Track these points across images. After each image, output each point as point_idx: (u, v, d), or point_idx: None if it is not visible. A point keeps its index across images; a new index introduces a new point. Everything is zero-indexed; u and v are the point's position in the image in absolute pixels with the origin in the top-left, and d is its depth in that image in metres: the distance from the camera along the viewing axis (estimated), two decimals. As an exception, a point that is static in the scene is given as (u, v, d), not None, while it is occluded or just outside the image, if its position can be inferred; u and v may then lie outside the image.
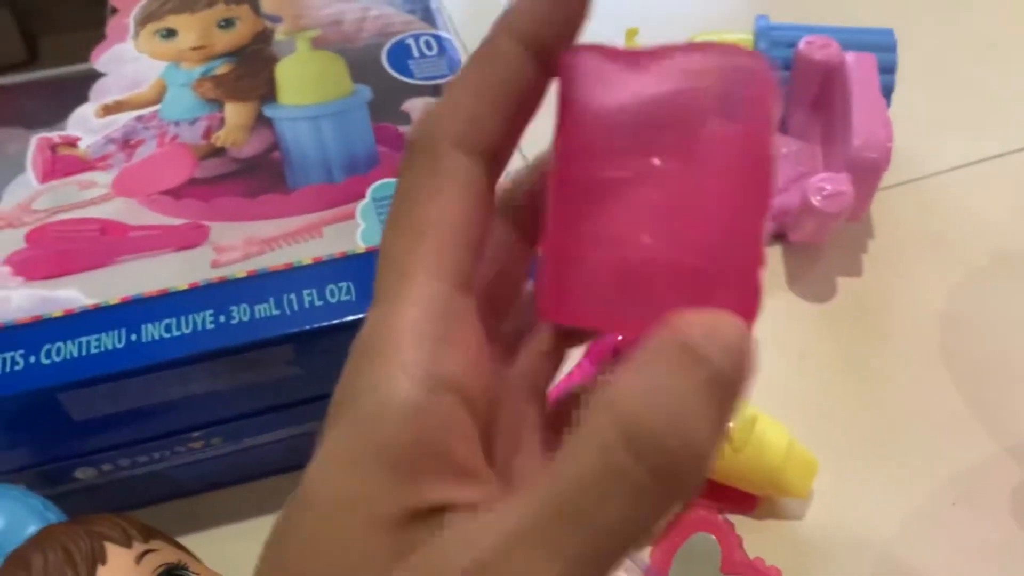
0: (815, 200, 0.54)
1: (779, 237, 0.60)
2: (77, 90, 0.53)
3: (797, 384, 0.54)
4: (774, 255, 0.60)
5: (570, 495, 0.16)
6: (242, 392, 0.43)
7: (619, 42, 0.69)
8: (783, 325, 0.56)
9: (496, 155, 0.19)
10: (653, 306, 0.18)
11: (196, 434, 0.44)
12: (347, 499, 0.18)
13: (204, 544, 0.45)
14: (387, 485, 0.17)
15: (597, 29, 0.77)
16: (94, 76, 0.53)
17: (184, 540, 0.44)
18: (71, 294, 0.42)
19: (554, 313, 0.21)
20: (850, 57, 0.58)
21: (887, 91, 0.61)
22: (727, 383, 0.17)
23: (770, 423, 0.47)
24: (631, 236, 0.19)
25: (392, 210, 0.19)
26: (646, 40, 0.69)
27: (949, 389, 0.54)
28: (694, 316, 0.18)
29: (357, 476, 0.18)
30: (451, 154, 0.19)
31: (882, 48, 0.62)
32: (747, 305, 0.20)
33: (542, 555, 0.16)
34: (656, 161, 0.18)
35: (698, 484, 0.17)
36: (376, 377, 0.18)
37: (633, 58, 0.20)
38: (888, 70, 0.61)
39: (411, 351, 0.18)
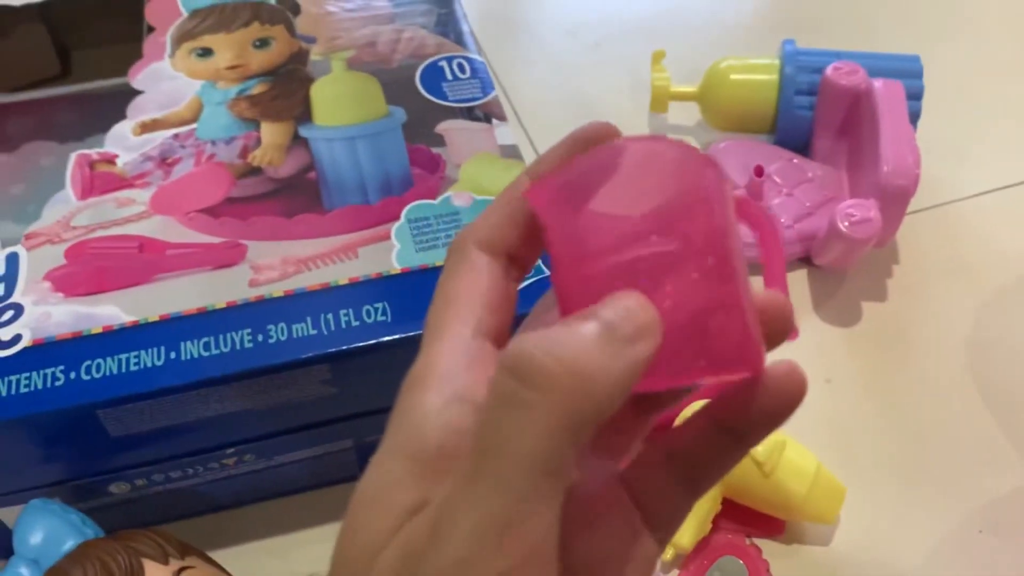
0: (843, 226, 0.54)
1: (805, 261, 0.61)
2: (110, 105, 0.53)
3: (824, 409, 0.54)
4: (799, 279, 0.60)
5: (485, 438, 0.20)
6: (276, 410, 0.43)
7: (646, 64, 0.70)
8: (809, 349, 0.57)
9: (513, 257, 0.25)
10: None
11: (229, 451, 0.45)
12: (374, 491, 0.22)
13: (234, 559, 0.45)
14: (408, 479, 0.21)
15: (625, 52, 0.78)
16: (127, 91, 0.54)
17: (215, 555, 0.45)
18: (111, 311, 0.43)
19: None
20: (878, 84, 0.59)
21: (913, 117, 0.61)
22: (610, 324, 0.20)
23: (798, 449, 0.47)
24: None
25: (435, 290, 0.25)
26: (672, 63, 0.70)
27: (976, 415, 0.54)
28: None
29: (386, 472, 0.22)
30: (475, 252, 0.25)
31: (908, 74, 0.62)
32: (751, 359, 0.22)
33: (479, 496, 0.19)
34: (633, 253, 0.22)
35: (590, 403, 0.20)
36: (416, 399, 0.23)
37: (589, 173, 0.23)
38: (915, 96, 0.61)
39: (442, 378, 0.23)
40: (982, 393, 0.55)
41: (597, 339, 0.20)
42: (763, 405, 0.23)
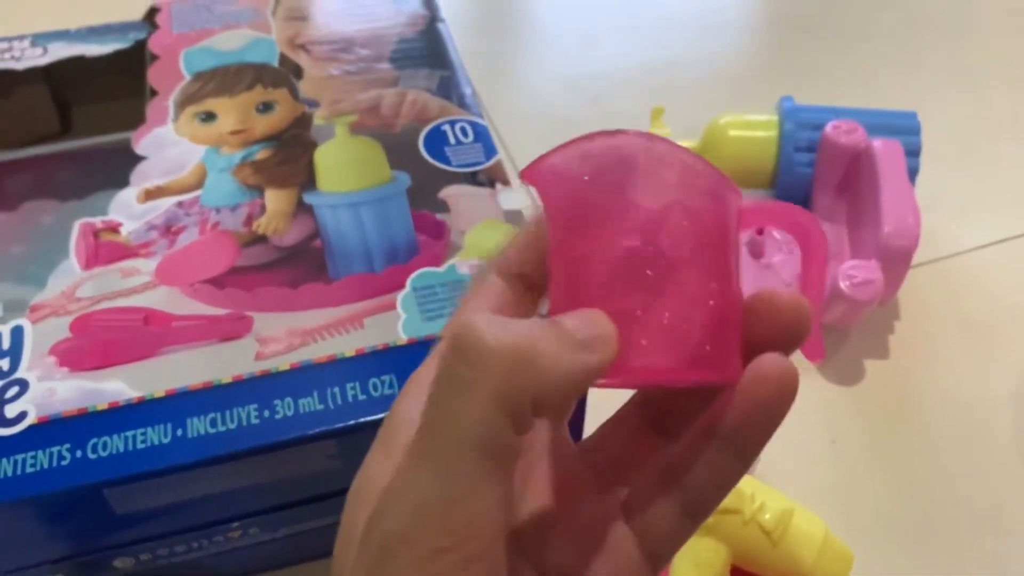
0: (845, 287, 0.54)
1: (807, 318, 0.61)
2: (111, 163, 0.54)
3: (829, 470, 0.54)
4: (802, 336, 0.60)
5: (428, 417, 0.21)
6: (282, 484, 0.43)
7: (645, 120, 0.71)
8: (813, 409, 0.57)
9: (530, 283, 0.26)
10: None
11: (235, 524, 0.44)
12: (358, 486, 0.25)
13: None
14: (385, 472, 0.23)
15: (624, 108, 0.79)
16: (129, 151, 0.54)
17: (220, 631, 0.44)
18: (117, 386, 0.42)
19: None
20: (877, 143, 0.59)
21: (912, 174, 0.62)
22: (567, 326, 0.21)
23: (806, 515, 0.47)
24: (629, 309, 0.22)
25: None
26: (671, 119, 0.70)
27: (983, 476, 0.54)
28: None
29: (368, 468, 0.25)
30: (492, 274, 0.27)
31: (906, 131, 0.63)
32: (728, 369, 0.23)
33: (420, 474, 0.21)
34: (629, 243, 0.22)
35: (529, 385, 0.20)
36: (407, 399, 0.25)
37: (591, 159, 0.24)
38: (913, 153, 0.62)
39: None
40: (990, 452, 0.55)
41: (547, 330, 0.21)
42: (755, 402, 0.23)
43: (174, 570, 0.46)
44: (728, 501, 0.46)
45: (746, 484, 0.47)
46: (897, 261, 0.55)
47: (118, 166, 0.53)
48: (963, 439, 0.55)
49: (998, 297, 0.63)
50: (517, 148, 0.73)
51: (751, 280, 0.60)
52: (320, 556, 0.49)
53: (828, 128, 0.62)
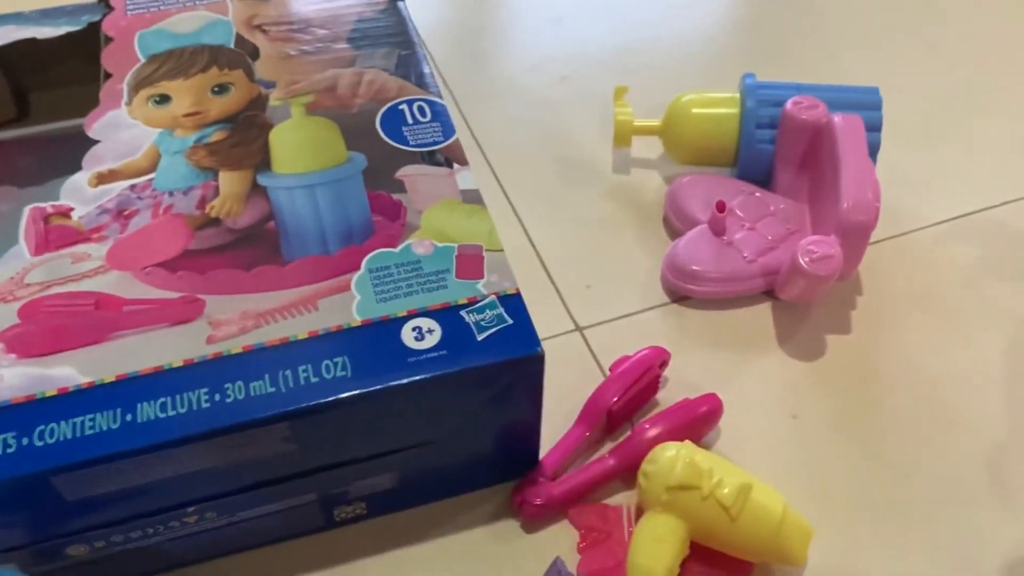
0: (804, 263, 0.54)
1: (768, 295, 0.61)
2: (69, 148, 0.53)
3: (791, 446, 0.54)
4: (763, 313, 0.60)
5: None
6: (236, 468, 0.43)
7: (608, 96, 0.70)
8: (775, 385, 0.57)
9: None
10: None
11: (190, 509, 0.44)
12: None
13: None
14: None
15: (592, 87, 0.78)
16: (84, 135, 0.53)
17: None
18: (66, 372, 0.42)
19: None
20: (837, 119, 0.59)
21: (873, 149, 0.62)
22: None
23: (765, 490, 0.47)
24: None
25: None
26: (634, 98, 0.70)
27: (944, 448, 0.54)
28: None
29: None
30: None
31: (867, 107, 0.63)
32: None
33: None
34: None
35: None
36: None
37: None
38: (874, 128, 0.62)
39: None
40: (950, 425, 0.55)
41: None
42: None
43: (131, 557, 0.46)
44: (686, 477, 0.46)
45: (705, 460, 0.47)
46: (856, 236, 0.55)
47: (77, 152, 0.52)
48: (923, 413, 0.56)
49: (957, 272, 0.63)
50: (483, 128, 0.73)
51: (713, 257, 0.60)
52: (281, 539, 0.49)
53: (788, 104, 0.61)
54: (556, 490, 0.50)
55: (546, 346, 0.44)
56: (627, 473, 0.51)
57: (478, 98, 0.76)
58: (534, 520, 0.50)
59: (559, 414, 0.53)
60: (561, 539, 0.50)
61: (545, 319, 0.59)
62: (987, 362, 0.58)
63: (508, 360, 0.43)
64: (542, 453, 0.52)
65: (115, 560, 0.46)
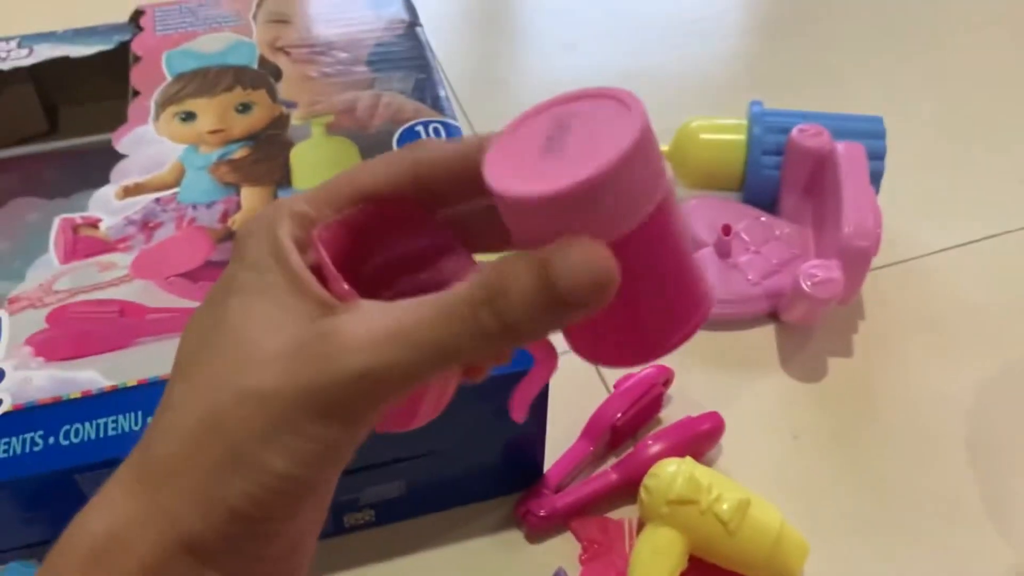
0: (806, 285, 0.56)
1: (772, 317, 0.62)
2: (95, 161, 0.55)
3: (790, 465, 0.55)
4: (767, 335, 0.62)
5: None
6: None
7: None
8: (776, 405, 0.58)
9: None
10: None
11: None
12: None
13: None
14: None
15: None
16: (113, 149, 0.55)
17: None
18: (90, 375, 0.44)
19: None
20: (840, 147, 0.61)
21: (876, 177, 0.63)
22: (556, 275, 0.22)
23: (762, 506, 0.49)
24: None
25: None
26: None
27: (941, 471, 0.55)
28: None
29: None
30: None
31: (871, 135, 0.64)
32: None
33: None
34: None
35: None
36: None
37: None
38: (877, 156, 0.63)
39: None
40: (949, 448, 0.56)
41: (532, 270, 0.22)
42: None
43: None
44: (686, 491, 0.48)
45: (705, 475, 0.48)
46: (857, 261, 0.56)
47: (104, 165, 0.55)
48: (922, 436, 0.57)
49: (959, 299, 0.65)
50: (495, 150, 0.75)
51: (718, 279, 0.61)
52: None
53: (794, 132, 0.63)
54: (559, 502, 0.51)
55: (552, 360, 0.45)
56: (629, 487, 0.52)
57: (493, 121, 0.78)
58: (537, 531, 0.52)
59: (564, 428, 0.54)
60: (563, 550, 0.51)
61: (552, 335, 0.60)
62: (985, 387, 0.59)
63: (514, 372, 0.45)
64: (546, 466, 0.53)
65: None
